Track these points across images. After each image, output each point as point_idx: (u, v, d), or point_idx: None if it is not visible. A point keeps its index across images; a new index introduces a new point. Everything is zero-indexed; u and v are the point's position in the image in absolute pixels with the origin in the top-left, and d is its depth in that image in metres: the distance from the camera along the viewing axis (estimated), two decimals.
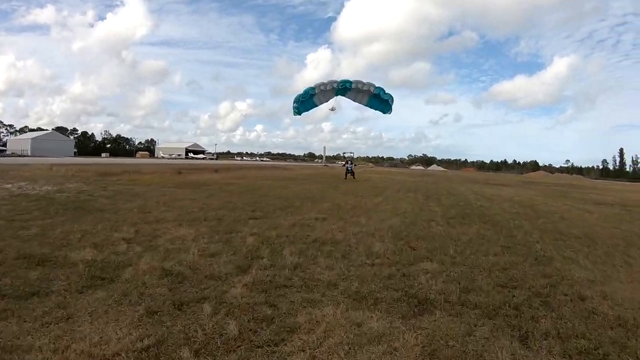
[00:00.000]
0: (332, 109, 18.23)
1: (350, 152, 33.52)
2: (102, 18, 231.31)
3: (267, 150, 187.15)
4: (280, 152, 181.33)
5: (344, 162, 28.13)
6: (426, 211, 10.43)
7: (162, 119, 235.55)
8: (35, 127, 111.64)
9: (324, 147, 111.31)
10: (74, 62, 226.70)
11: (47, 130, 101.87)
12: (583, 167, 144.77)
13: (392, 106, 17.79)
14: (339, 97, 18.20)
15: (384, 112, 18.73)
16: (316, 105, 18.66)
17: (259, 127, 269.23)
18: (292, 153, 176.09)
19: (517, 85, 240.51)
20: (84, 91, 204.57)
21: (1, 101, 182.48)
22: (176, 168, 28.59)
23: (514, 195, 18.31)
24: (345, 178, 24.69)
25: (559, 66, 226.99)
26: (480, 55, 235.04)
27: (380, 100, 17.32)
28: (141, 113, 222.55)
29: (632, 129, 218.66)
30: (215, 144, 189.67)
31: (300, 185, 18.01)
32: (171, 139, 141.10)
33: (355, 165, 28.26)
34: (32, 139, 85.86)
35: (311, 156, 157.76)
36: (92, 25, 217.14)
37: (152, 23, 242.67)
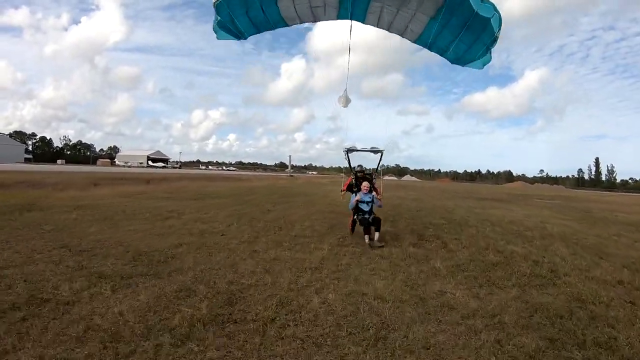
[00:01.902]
0: (345, 102, 7.56)
1: (379, 148, 7.71)
2: (76, 22, 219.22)
3: (239, 160, 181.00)
4: (252, 161, 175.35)
5: (347, 182, 8.18)
6: (449, 338, 4.00)
7: (134, 126, 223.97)
8: (6, 132, 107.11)
9: (289, 157, 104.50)
10: (46, 66, 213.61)
11: (2, 134, 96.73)
12: (558, 176, 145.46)
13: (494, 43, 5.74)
14: (354, 23, 6.79)
15: (469, 60, 6.45)
16: (280, 16, 6.58)
17: (231, 136, 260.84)
18: (263, 163, 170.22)
19: (489, 97, 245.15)
20: (55, 96, 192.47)
21: None
22: (102, 178, 24.11)
23: (540, 223, 12.39)
24: (352, 231, 8.12)
25: (530, 78, 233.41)
26: (452, 68, 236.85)
27: (463, 17, 5.54)
28: (113, 120, 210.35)
29: (600, 139, 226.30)
30: (180, 152, 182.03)
31: (200, 212, 10.83)
32: (143, 147, 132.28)
33: (380, 196, 7.76)
34: None
35: (282, 166, 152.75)
36: (66, 29, 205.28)
37: (127, 29, 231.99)
